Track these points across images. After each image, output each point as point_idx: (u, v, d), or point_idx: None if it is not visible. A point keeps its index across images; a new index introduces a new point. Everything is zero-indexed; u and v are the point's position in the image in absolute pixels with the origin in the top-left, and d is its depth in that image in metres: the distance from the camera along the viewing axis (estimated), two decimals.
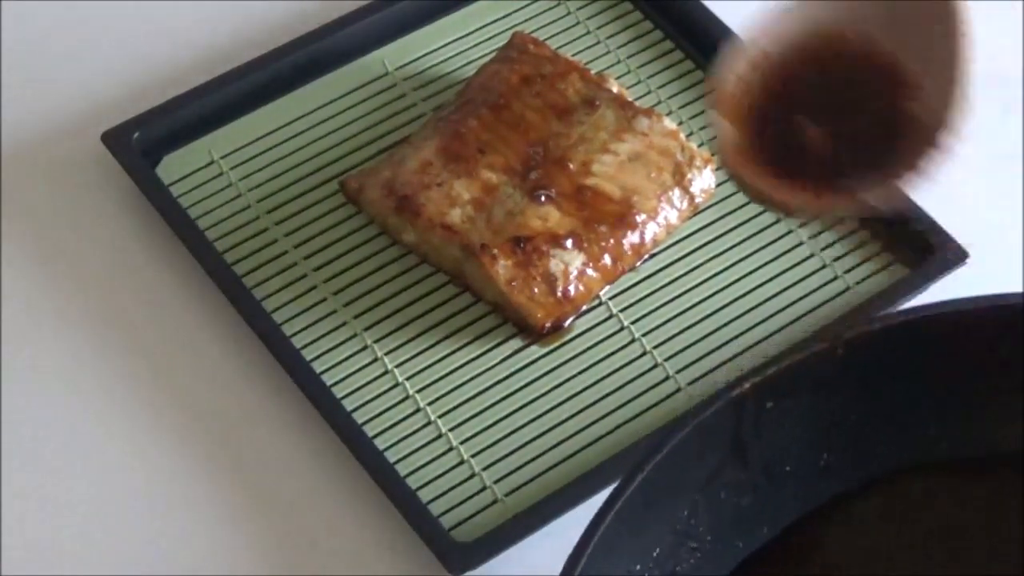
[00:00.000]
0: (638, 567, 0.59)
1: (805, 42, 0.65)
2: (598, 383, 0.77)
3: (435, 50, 0.88)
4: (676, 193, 0.81)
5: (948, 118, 0.65)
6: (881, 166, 0.64)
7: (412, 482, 0.74)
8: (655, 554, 0.60)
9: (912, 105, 0.65)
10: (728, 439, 0.60)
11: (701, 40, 0.87)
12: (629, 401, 0.77)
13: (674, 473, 0.58)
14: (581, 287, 0.78)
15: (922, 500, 0.64)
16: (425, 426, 0.76)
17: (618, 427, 0.76)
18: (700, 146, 0.84)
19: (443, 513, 0.73)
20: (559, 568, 0.73)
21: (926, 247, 0.80)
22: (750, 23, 0.67)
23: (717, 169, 0.83)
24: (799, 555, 0.63)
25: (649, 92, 0.86)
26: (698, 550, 0.61)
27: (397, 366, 0.77)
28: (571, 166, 0.80)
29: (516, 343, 0.78)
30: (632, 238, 0.79)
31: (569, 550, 0.74)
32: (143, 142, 0.83)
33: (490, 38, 0.88)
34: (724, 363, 0.78)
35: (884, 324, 0.62)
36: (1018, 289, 0.80)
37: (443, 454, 0.75)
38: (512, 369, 0.78)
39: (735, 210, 0.82)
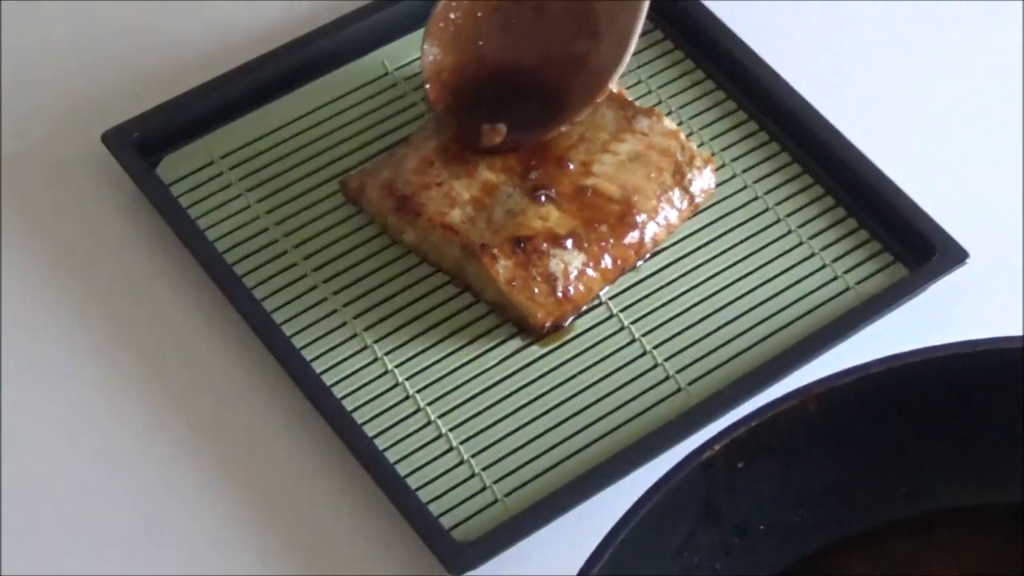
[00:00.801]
0: None
1: None
2: (598, 383, 0.77)
3: None
4: (676, 193, 0.81)
5: (615, 68, 0.77)
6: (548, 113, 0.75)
7: (412, 482, 0.74)
8: None
9: (590, 51, 0.75)
10: (699, 503, 0.59)
11: (701, 40, 0.87)
12: (629, 401, 0.77)
13: (647, 542, 0.57)
14: (581, 287, 0.78)
15: (901, 558, 0.63)
16: (425, 426, 0.76)
17: (618, 427, 0.76)
18: (700, 146, 0.84)
19: (443, 513, 0.73)
20: (559, 568, 0.73)
21: (926, 247, 0.80)
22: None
23: (718, 169, 0.83)
24: None
25: (649, 92, 0.86)
26: None
27: (397, 366, 0.77)
28: (571, 166, 0.80)
29: (516, 343, 0.78)
30: (632, 238, 0.79)
31: (569, 550, 0.74)
32: (143, 142, 0.83)
33: None
34: (724, 363, 0.78)
35: (854, 377, 0.60)
36: (1018, 291, 0.80)
37: (443, 454, 0.75)
38: (512, 369, 0.78)
39: (735, 210, 0.82)
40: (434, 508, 0.73)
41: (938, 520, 0.63)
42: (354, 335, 0.78)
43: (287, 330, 0.78)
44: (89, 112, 0.86)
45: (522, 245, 0.78)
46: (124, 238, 0.82)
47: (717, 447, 0.58)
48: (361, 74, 0.87)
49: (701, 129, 0.85)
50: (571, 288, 0.78)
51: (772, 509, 0.61)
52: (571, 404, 0.77)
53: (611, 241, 0.79)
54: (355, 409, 0.76)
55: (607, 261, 0.79)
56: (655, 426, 0.75)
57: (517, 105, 0.81)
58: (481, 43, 0.82)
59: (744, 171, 0.84)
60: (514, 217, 0.79)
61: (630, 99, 0.83)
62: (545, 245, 0.78)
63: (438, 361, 0.78)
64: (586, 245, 0.78)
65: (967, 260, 0.79)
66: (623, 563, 0.57)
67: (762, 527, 0.61)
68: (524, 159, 0.80)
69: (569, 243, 0.78)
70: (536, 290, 0.78)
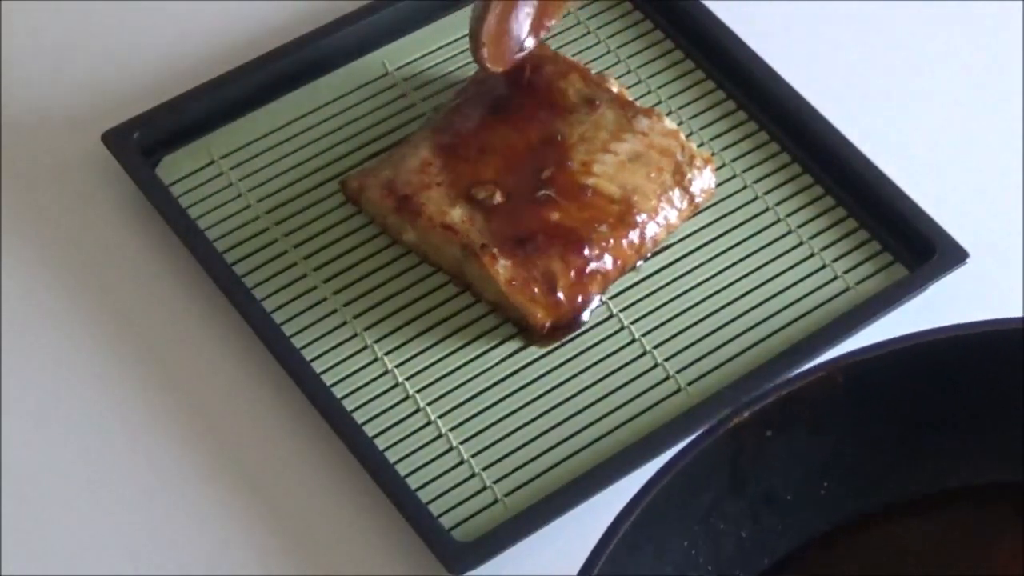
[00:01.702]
0: None
1: None
2: (598, 383, 0.77)
3: (435, 50, 0.88)
4: (676, 193, 0.81)
5: None
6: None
7: (412, 482, 0.74)
8: None
9: None
10: (727, 469, 0.60)
11: (701, 40, 0.87)
12: (629, 401, 0.77)
13: (673, 505, 0.58)
14: (581, 287, 0.78)
15: (926, 534, 0.63)
16: (425, 426, 0.76)
17: (618, 427, 0.76)
18: (700, 146, 0.84)
19: (443, 513, 0.73)
20: (559, 568, 0.73)
21: (926, 247, 0.80)
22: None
23: (718, 169, 0.83)
24: None
25: (649, 92, 0.86)
26: None
27: (397, 366, 0.77)
28: (571, 166, 0.80)
29: (516, 343, 0.78)
30: (632, 238, 0.79)
31: (569, 550, 0.74)
32: (143, 142, 0.83)
33: None
34: (724, 363, 0.78)
35: (881, 352, 0.61)
36: (1018, 291, 0.80)
37: (443, 454, 0.75)
38: (512, 369, 0.78)
39: (735, 210, 0.82)
40: (434, 508, 0.73)
41: (959, 496, 0.63)
42: (354, 335, 0.78)
43: (287, 330, 0.78)
44: (89, 112, 0.86)
45: (522, 245, 0.78)
46: (124, 238, 0.82)
47: (746, 414, 0.58)
48: (361, 74, 0.87)
49: (701, 129, 0.85)
50: (571, 288, 0.78)
51: (799, 479, 0.62)
52: (571, 404, 0.77)
53: (611, 241, 0.79)
54: (355, 409, 0.76)
55: (607, 261, 0.79)
56: (655, 426, 0.75)
57: None
58: None
59: (744, 171, 0.84)
60: (514, 217, 0.79)
61: (630, 99, 0.83)
62: (545, 245, 0.78)
63: (438, 361, 0.78)
64: (586, 245, 0.78)
65: (967, 260, 0.79)
66: (652, 525, 0.57)
67: (789, 496, 0.62)
68: (524, 159, 0.80)
69: (569, 243, 0.78)
70: (536, 290, 0.78)
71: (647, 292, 0.80)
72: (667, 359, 0.78)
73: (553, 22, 0.83)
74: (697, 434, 0.58)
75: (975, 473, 0.63)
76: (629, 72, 0.87)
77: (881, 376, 0.61)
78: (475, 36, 0.79)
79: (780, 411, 0.59)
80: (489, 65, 0.80)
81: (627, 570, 0.56)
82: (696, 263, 0.81)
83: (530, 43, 0.82)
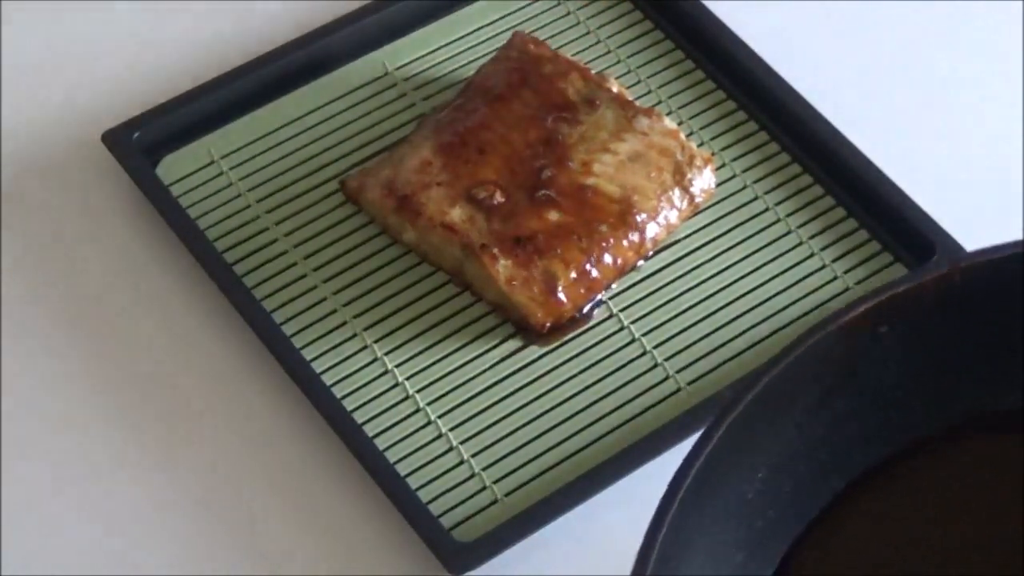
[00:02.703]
0: (745, 486, 0.58)
1: None
2: (598, 383, 0.77)
3: (435, 50, 0.88)
4: (676, 193, 0.81)
5: None
6: None
7: (412, 482, 0.74)
8: (759, 476, 0.58)
9: None
10: (838, 365, 0.59)
11: (701, 40, 0.87)
12: (629, 401, 0.77)
13: (783, 396, 0.57)
14: (581, 287, 0.78)
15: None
16: (425, 426, 0.76)
17: (618, 427, 0.76)
18: (700, 146, 0.84)
19: (443, 513, 0.73)
20: (559, 568, 0.73)
21: (926, 247, 0.80)
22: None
23: (718, 169, 0.83)
24: (907, 484, 0.61)
25: (649, 92, 0.86)
26: (796, 480, 0.60)
27: (397, 366, 0.77)
28: (571, 165, 0.80)
29: (516, 343, 0.78)
30: (632, 238, 0.79)
31: (569, 550, 0.74)
32: (143, 142, 0.83)
33: (490, 38, 0.88)
34: (724, 363, 0.78)
35: (1002, 255, 0.60)
36: None
37: (443, 454, 0.75)
38: (512, 369, 0.78)
39: (735, 210, 0.82)
40: (434, 508, 0.73)
41: None
42: (354, 335, 0.78)
43: (287, 330, 0.78)
44: (89, 112, 0.86)
45: (522, 245, 0.78)
46: (124, 238, 0.82)
47: (862, 308, 0.58)
48: (361, 74, 0.87)
49: (701, 129, 0.85)
50: (571, 288, 0.78)
51: (910, 379, 0.61)
52: (571, 404, 0.77)
53: (611, 241, 0.79)
54: (355, 409, 0.76)
55: (607, 261, 0.79)
56: (655, 426, 0.75)
57: None
58: None
59: (744, 171, 0.84)
60: (514, 217, 0.79)
61: (630, 99, 0.83)
62: (545, 245, 0.78)
63: (438, 361, 0.78)
64: (586, 245, 0.78)
65: None
66: (759, 415, 0.56)
67: (899, 394, 0.61)
68: (524, 158, 0.80)
69: (569, 243, 0.78)
70: (536, 290, 0.78)
71: (647, 292, 0.80)
72: (667, 359, 0.78)
73: None
74: (808, 329, 0.58)
75: None
76: (629, 72, 0.87)
77: (998, 279, 0.60)
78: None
79: (897, 307, 0.58)
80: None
81: (734, 452, 0.56)
82: (696, 263, 0.81)
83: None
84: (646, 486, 0.75)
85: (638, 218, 0.80)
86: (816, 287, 0.80)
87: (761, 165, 0.84)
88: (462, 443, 0.75)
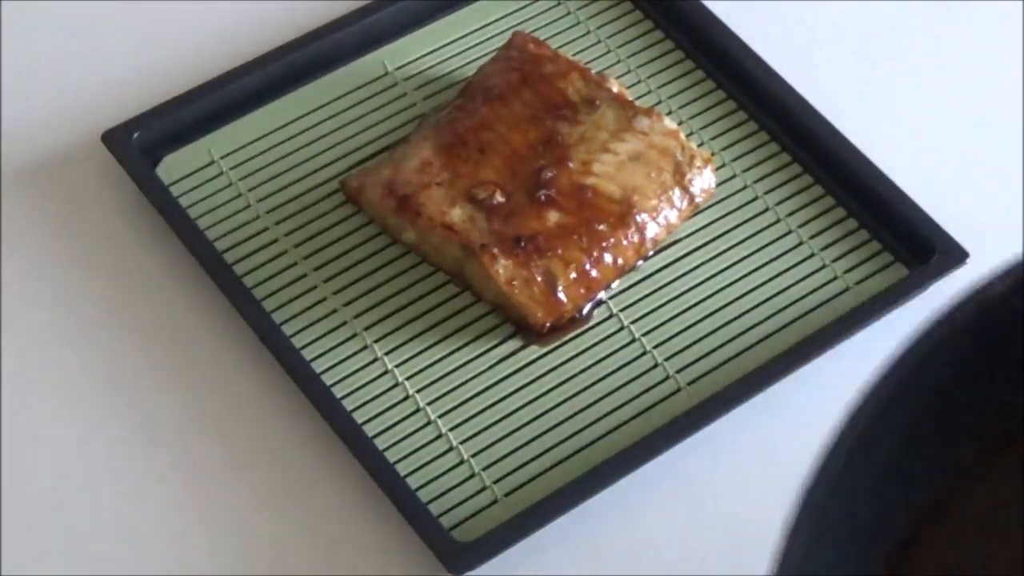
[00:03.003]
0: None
1: None
2: (598, 383, 0.77)
3: (435, 50, 0.88)
4: (676, 193, 0.81)
5: None
6: None
7: (412, 482, 0.74)
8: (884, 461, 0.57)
9: None
10: (970, 341, 0.57)
11: (701, 40, 0.87)
12: (629, 401, 0.77)
13: (920, 372, 0.55)
14: (581, 287, 0.78)
15: None
16: (425, 426, 0.76)
17: (618, 427, 0.76)
18: (700, 146, 0.84)
19: (443, 513, 0.73)
20: (559, 568, 0.73)
21: (926, 247, 0.80)
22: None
23: (718, 169, 0.83)
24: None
25: (649, 92, 0.86)
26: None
27: (397, 366, 0.77)
28: (571, 165, 0.80)
29: (516, 343, 0.78)
30: (632, 238, 0.79)
31: (569, 550, 0.74)
32: (143, 142, 0.83)
33: (490, 38, 0.88)
34: (724, 363, 0.78)
35: None
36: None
37: (443, 454, 0.75)
38: (512, 369, 0.78)
39: (735, 210, 0.82)
40: (434, 508, 0.73)
41: None
42: (354, 335, 0.78)
43: (287, 330, 0.78)
44: (89, 112, 0.86)
45: (522, 245, 0.78)
46: (124, 238, 0.82)
47: (995, 280, 0.56)
48: (361, 74, 0.87)
49: (701, 129, 0.85)
50: (571, 288, 0.78)
51: None
52: (571, 404, 0.77)
53: (611, 241, 0.79)
54: (355, 409, 0.76)
55: (607, 261, 0.79)
56: (655, 426, 0.75)
57: None
58: None
59: (744, 171, 0.84)
60: (514, 217, 0.79)
61: (630, 99, 0.83)
62: (545, 245, 0.78)
63: (438, 361, 0.78)
64: (586, 245, 0.78)
65: (967, 260, 0.79)
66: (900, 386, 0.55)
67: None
68: (524, 158, 0.80)
69: (569, 243, 0.78)
70: (536, 290, 0.78)
71: (647, 292, 0.80)
72: (667, 359, 0.78)
73: None
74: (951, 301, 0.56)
75: None
76: (629, 72, 0.87)
77: None
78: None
79: None
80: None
81: (885, 423, 0.54)
82: (696, 263, 0.81)
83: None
84: (645, 486, 0.75)
85: (638, 218, 0.80)
86: (816, 287, 0.80)
87: (761, 165, 0.84)
88: (462, 443, 0.75)
